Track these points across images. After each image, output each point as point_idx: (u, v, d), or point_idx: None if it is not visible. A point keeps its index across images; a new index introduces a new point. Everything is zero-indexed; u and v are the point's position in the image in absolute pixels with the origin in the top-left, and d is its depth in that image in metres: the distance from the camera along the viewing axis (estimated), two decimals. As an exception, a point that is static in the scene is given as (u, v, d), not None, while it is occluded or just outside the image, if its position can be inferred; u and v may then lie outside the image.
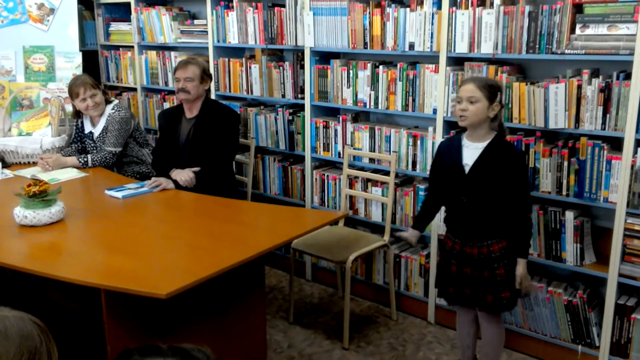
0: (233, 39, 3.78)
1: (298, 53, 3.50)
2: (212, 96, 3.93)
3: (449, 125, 2.97)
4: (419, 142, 3.08)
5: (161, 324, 2.18)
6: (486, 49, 2.74)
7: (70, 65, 4.16)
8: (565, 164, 2.62)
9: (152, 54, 4.32)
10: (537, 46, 2.60)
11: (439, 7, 2.85)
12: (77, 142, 3.66)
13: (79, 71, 4.11)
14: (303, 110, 3.54)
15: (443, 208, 2.61)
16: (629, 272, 2.53)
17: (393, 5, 3.02)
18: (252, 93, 3.77)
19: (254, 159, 3.69)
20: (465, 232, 2.39)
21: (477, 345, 2.64)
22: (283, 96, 3.63)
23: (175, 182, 3.07)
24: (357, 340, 3.04)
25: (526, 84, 2.66)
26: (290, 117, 3.61)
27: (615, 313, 2.59)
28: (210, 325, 2.34)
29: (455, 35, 2.82)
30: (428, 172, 2.92)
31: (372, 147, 3.28)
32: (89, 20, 4.69)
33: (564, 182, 2.64)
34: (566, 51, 2.52)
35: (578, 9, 2.51)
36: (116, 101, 3.62)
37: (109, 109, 3.54)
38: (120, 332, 2.05)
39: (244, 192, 3.67)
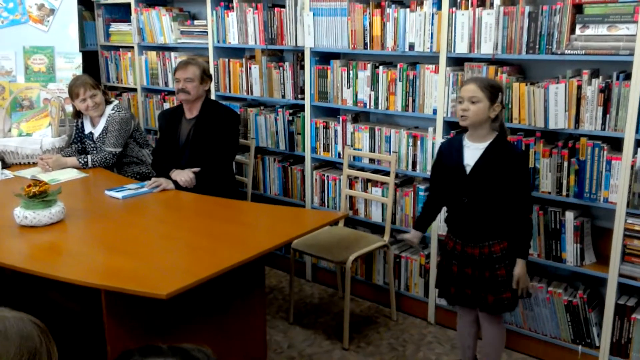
0: (233, 40, 3.78)
1: (298, 53, 3.50)
2: (212, 96, 3.93)
3: (449, 125, 2.98)
4: (419, 142, 3.08)
5: (161, 324, 2.18)
6: (486, 49, 2.75)
7: (70, 65, 4.16)
8: (565, 164, 2.62)
9: (152, 54, 4.32)
10: (537, 46, 2.60)
11: (439, 7, 2.85)
12: (77, 143, 3.66)
13: (79, 72, 4.11)
14: (303, 110, 3.54)
15: (444, 208, 2.61)
16: (629, 272, 2.53)
17: (393, 6, 3.02)
18: (252, 93, 3.77)
19: (254, 159, 3.69)
20: (466, 232, 2.39)
21: (477, 345, 2.64)
22: (283, 96, 3.63)
23: (175, 182, 3.07)
24: (357, 341, 3.04)
25: (526, 85, 2.66)
26: (290, 118, 3.60)
27: (615, 313, 2.59)
28: (210, 325, 2.34)
29: (455, 36, 2.82)
30: (428, 173, 2.92)
31: (372, 147, 3.28)
32: (89, 20, 4.69)
33: (564, 182, 2.64)
34: (566, 51, 2.52)
35: (578, 9, 2.51)
36: (116, 102, 3.63)
37: (109, 110, 3.54)
38: (120, 332, 2.05)
39: (244, 192, 3.67)
